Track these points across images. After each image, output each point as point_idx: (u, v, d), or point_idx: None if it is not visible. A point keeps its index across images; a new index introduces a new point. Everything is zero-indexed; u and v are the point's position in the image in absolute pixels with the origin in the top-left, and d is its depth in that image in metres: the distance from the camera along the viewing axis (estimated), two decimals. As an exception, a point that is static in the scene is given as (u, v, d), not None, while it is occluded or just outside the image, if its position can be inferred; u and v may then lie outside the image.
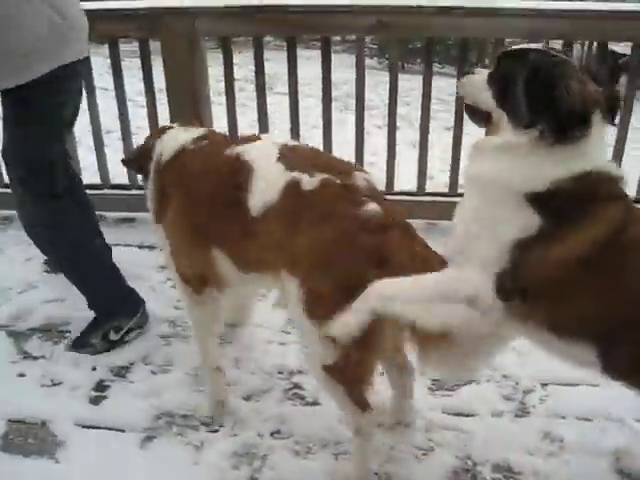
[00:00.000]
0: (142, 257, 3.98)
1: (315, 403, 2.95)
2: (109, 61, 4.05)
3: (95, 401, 2.99)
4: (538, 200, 1.91)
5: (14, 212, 4.28)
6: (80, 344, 3.28)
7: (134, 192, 4.24)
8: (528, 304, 1.98)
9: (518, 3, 3.81)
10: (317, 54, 3.89)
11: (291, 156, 2.40)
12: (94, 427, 2.85)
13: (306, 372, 3.07)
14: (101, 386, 3.08)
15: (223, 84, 4.00)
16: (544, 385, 3.03)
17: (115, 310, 3.30)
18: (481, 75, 2.09)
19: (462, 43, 3.94)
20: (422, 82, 3.87)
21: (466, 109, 2.21)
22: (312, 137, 4.17)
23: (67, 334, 3.40)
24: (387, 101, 3.98)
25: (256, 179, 2.36)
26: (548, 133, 1.86)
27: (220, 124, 4.09)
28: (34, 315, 3.53)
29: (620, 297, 1.93)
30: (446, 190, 4.20)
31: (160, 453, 2.73)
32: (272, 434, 2.79)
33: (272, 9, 3.78)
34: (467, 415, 2.86)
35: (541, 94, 1.86)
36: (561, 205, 1.91)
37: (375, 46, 14.01)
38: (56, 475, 2.65)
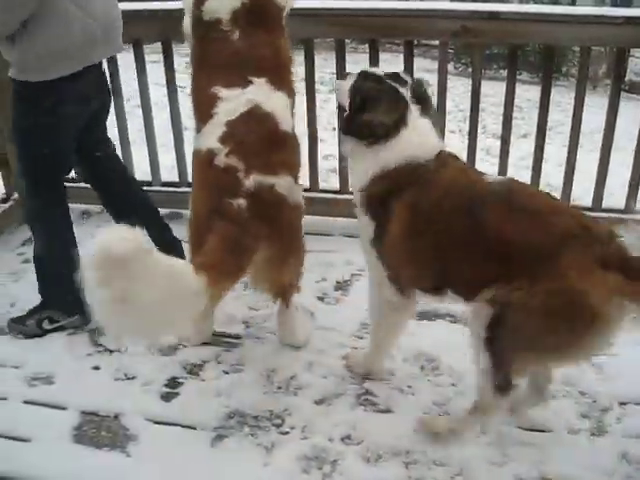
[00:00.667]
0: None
1: (387, 410, 2.92)
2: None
3: (167, 397, 3.01)
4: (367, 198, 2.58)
5: (92, 206, 4.43)
6: (16, 321, 3.44)
7: (184, 189, 4.24)
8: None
9: (605, 10, 3.72)
10: (391, 57, 3.86)
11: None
12: (165, 423, 2.87)
13: (377, 378, 3.04)
14: (174, 382, 3.10)
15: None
16: (622, 404, 2.93)
17: (55, 303, 3.41)
18: (347, 83, 2.61)
19: (546, 51, 3.85)
20: (505, 90, 3.80)
21: (338, 109, 2.80)
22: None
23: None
24: (461, 106, 3.92)
25: None
26: (364, 140, 2.51)
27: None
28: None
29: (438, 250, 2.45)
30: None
31: (230, 453, 2.74)
32: (342, 439, 2.77)
33: (354, 12, 3.76)
34: (542, 431, 2.79)
35: (360, 113, 2.50)
36: (379, 199, 2.53)
37: (451, 50, 13.91)
38: (127, 469, 2.68)
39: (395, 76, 2.58)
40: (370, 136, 2.50)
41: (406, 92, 2.54)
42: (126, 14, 3.26)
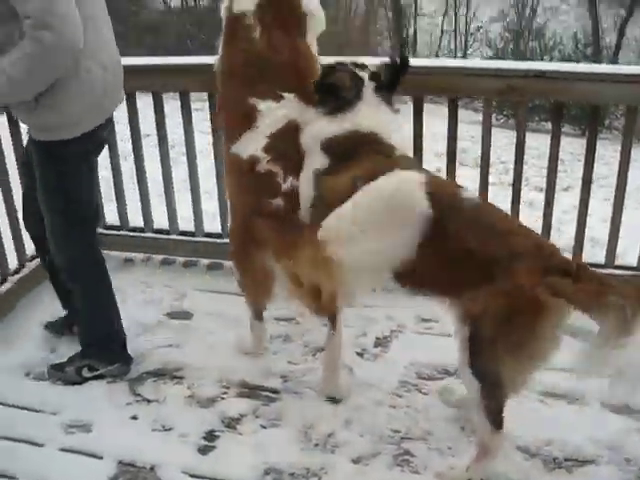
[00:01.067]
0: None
1: (424, 470, 2.85)
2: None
3: (204, 450, 2.99)
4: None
5: (135, 254, 4.47)
6: (56, 367, 3.46)
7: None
8: None
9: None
10: (432, 108, 3.86)
11: None
12: (201, 477, 2.85)
13: (416, 439, 3.00)
14: (211, 435, 3.08)
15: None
16: (670, 473, 2.83)
17: (95, 351, 3.43)
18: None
19: (592, 108, 3.83)
20: (549, 146, 3.77)
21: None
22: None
23: (181, 380, 3.43)
24: (503, 158, 3.91)
25: None
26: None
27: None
28: (149, 359, 3.58)
29: None
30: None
31: (266, 510, 2.71)
32: (379, 500, 2.72)
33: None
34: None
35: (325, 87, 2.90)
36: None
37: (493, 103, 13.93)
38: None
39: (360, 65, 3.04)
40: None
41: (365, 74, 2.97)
42: (175, 67, 3.32)
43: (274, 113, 3.01)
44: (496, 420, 2.63)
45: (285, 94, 3.04)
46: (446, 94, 3.89)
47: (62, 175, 3.15)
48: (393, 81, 3.01)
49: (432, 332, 3.72)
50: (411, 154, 3.21)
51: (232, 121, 3.16)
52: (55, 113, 2.97)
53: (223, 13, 3.24)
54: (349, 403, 3.21)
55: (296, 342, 3.68)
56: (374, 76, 2.97)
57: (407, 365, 3.44)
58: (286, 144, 2.98)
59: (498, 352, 2.50)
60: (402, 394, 3.26)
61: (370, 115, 2.89)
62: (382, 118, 2.92)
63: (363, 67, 3.01)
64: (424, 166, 3.03)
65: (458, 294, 2.57)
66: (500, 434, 2.66)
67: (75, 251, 3.32)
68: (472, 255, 2.49)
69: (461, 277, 2.54)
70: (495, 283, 2.45)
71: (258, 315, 3.46)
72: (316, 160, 2.90)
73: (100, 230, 4.54)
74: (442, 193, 2.61)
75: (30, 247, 4.14)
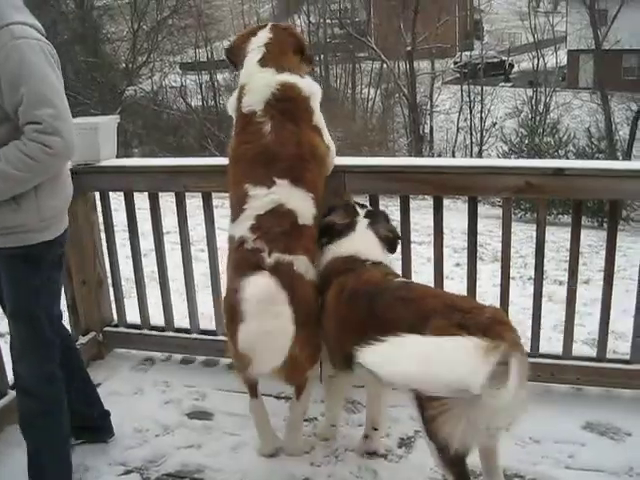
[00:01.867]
0: (280, 406, 3.90)
1: None
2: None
3: None
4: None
5: (155, 353, 4.46)
6: None
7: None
8: None
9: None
10: (447, 203, 3.87)
11: None
12: None
13: None
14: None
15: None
16: None
17: None
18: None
19: (612, 204, 3.85)
20: (570, 242, 3.77)
21: None
22: (448, 287, 4.11)
23: (201, 482, 3.36)
24: (521, 252, 3.90)
25: None
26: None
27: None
28: (169, 460, 3.51)
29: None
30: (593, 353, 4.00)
31: None
32: None
33: (419, 170, 3.86)
34: None
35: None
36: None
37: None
38: None
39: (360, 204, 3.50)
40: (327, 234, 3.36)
41: (361, 211, 3.41)
42: (200, 168, 3.41)
43: (263, 198, 3.21)
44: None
45: (278, 180, 3.24)
46: (465, 193, 3.93)
47: (31, 278, 3.03)
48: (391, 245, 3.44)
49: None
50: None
51: (231, 204, 3.38)
52: (36, 214, 2.94)
53: (232, 112, 3.48)
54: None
55: (318, 443, 3.59)
56: (368, 213, 3.42)
57: (433, 466, 3.35)
58: (273, 226, 3.17)
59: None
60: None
61: (356, 242, 3.30)
62: (367, 245, 3.30)
63: (363, 206, 3.49)
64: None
65: None
66: None
67: (45, 370, 3.16)
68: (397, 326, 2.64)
69: None
70: None
71: (252, 390, 3.43)
72: None
73: (122, 329, 4.58)
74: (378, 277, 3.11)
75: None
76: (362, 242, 3.30)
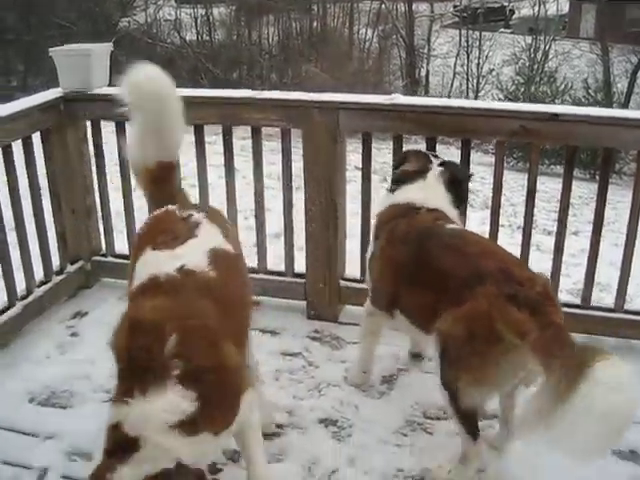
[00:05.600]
0: (265, 341, 3.97)
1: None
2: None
3: (205, 485, 2.94)
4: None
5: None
6: None
7: (262, 276, 4.29)
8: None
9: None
10: (440, 149, 3.86)
11: None
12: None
13: (420, 479, 2.96)
14: (213, 468, 3.05)
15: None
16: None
17: None
18: None
19: (605, 153, 3.83)
20: (561, 190, 3.77)
21: None
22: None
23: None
24: (512, 200, 3.90)
25: None
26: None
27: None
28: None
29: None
30: (577, 301, 4.05)
31: None
32: (382, 540, 2.68)
33: (414, 109, 3.83)
34: None
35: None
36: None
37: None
38: None
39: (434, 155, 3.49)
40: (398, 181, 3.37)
41: (435, 160, 3.39)
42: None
43: None
44: (470, 431, 2.80)
45: None
46: (459, 135, 3.91)
47: None
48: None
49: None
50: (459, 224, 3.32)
51: None
52: None
53: None
54: (354, 441, 3.19)
55: (302, 377, 3.66)
56: (442, 164, 3.37)
57: (413, 404, 3.41)
58: None
59: (457, 370, 2.73)
60: (407, 433, 3.24)
61: (417, 190, 3.28)
62: (428, 193, 3.26)
63: (437, 157, 3.44)
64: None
65: (437, 316, 2.81)
66: (477, 445, 2.81)
67: None
68: (446, 278, 2.80)
69: (438, 300, 2.82)
70: (461, 305, 2.70)
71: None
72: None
73: (110, 259, 4.58)
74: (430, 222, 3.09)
75: (39, 273, 4.17)
76: (423, 190, 3.27)
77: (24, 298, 4.15)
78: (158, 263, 2.54)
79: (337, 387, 3.55)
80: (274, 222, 4.51)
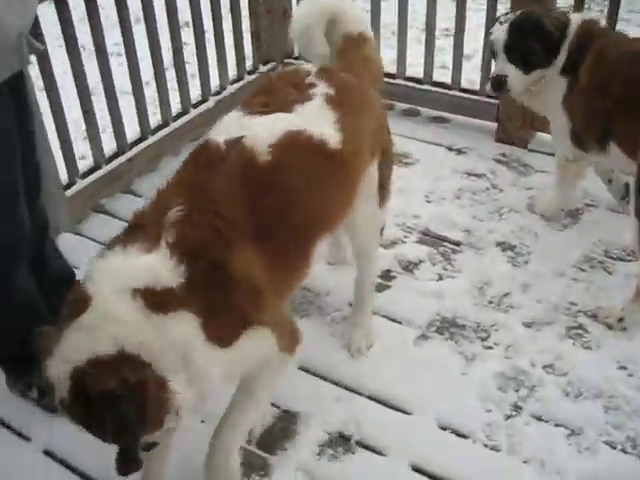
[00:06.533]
0: (450, 159, 3.94)
1: (597, 348, 2.79)
2: None
3: (379, 288, 3.02)
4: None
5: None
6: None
7: (455, 93, 4.17)
8: None
9: None
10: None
11: None
12: (373, 312, 2.91)
13: (593, 316, 2.91)
14: (387, 275, 3.15)
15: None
16: None
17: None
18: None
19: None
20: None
21: None
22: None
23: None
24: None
25: None
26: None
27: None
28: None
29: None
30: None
31: (431, 353, 2.79)
32: (545, 367, 2.72)
33: None
34: None
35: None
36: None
37: None
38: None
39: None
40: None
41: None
42: None
43: None
44: None
45: None
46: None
47: None
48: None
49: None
50: None
51: None
52: None
53: None
54: (530, 268, 3.17)
55: (484, 199, 3.61)
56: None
57: (596, 241, 3.30)
58: None
59: None
60: (586, 269, 3.16)
61: None
62: None
63: (564, 13, 3.17)
64: None
65: None
66: None
67: None
68: None
69: None
70: None
71: None
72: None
73: (301, 62, 4.54)
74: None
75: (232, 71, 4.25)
76: None
77: (217, 94, 4.30)
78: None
79: (518, 213, 3.48)
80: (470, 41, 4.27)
